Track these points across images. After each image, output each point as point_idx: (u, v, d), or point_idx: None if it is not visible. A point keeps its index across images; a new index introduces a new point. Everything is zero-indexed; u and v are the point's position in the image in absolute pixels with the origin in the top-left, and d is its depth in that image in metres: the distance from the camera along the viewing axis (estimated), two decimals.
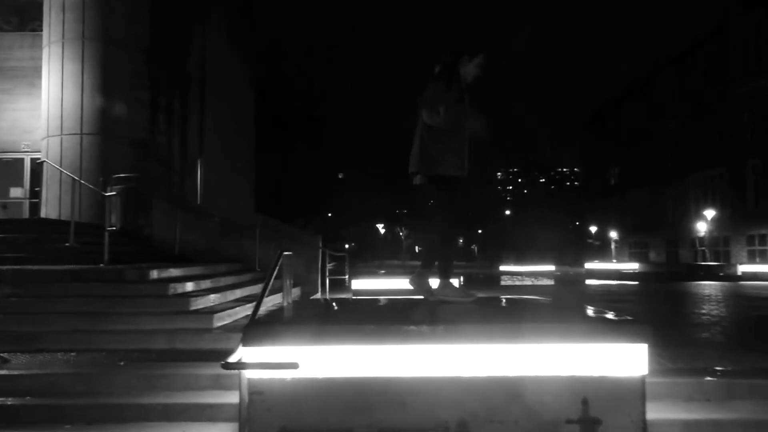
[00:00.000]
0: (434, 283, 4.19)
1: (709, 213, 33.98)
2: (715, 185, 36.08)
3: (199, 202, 13.24)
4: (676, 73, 40.13)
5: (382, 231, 52.33)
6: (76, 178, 9.68)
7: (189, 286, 6.87)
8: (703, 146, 37.17)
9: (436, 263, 4.19)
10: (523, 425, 2.74)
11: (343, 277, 13.78)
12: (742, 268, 28.83)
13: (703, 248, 36.31)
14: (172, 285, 6.60)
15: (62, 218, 11.22)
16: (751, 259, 31.94)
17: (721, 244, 35.10)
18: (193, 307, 6.14)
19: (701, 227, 35.44)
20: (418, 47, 25.40)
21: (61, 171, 10.85)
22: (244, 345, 2.71)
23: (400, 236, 59.33)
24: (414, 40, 25.77)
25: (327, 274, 11.70)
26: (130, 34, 12.17)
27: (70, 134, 12.00)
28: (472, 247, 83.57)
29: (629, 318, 3.08)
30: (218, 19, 15.29)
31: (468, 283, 25.58)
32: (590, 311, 3.67)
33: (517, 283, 28.03)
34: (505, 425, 2.73)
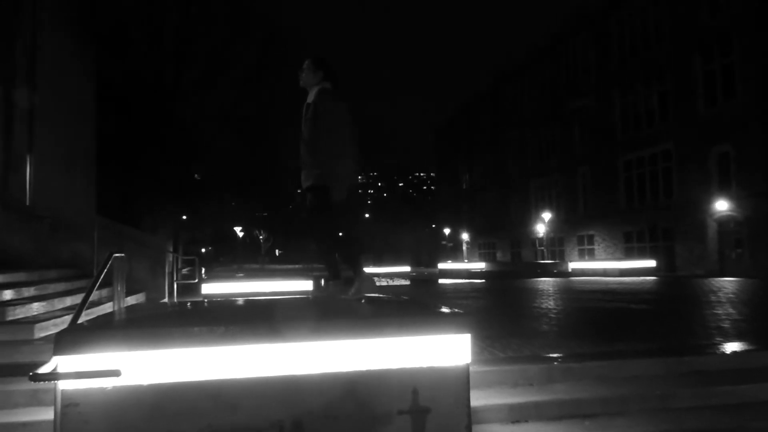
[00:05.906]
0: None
1: (546, 215, 37.34)
2: (552, 190, 39.75)
3: (28, 203, 11.90)
4: (518, 86, 43.65)
5: (241, 234, 50.87)
6: None
7: (8, 294, 6.13)
8: (542, 154, 40.81)
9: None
10: (356, 419, 2.78)
11: (194, 281, 13.18)
12: (572, 265, 32.00)
13: (542, 248, 39.84)
14: None
15: None
16: (581, 257, 35.55)
17: (556, 244, 38.70)
18: (10, 317, 5.48)
19: (540, 229, 38.84)
20: (277, 47, 25.03)
21: None
22: (56, 353, 2.47)
23: (259, 239, 58.10)
24: (272, 39, 25.34)
25: (175, 278, 11.15)
26: None
27: None
28: None
29: (457, 311, 3.24)
30: None
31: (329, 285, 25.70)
32: (425, 306, 3.83)
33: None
34: (339, 420, 2.76)
